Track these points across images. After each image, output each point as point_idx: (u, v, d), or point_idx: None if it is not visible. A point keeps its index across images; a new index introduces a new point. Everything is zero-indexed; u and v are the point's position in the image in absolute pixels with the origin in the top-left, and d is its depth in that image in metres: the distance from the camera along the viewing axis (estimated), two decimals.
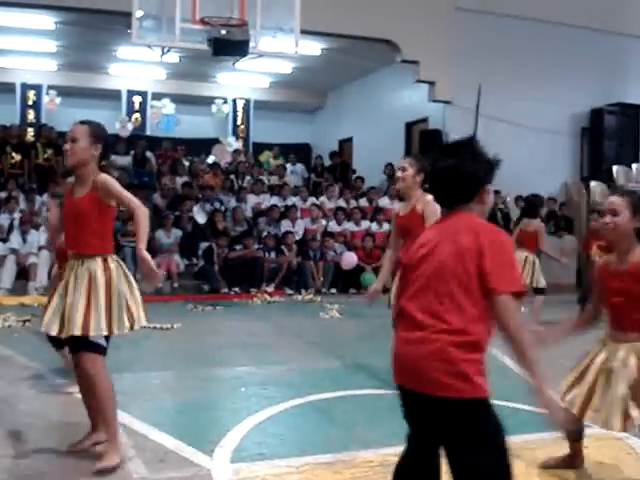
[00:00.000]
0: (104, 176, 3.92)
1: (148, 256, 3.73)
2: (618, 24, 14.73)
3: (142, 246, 3.73)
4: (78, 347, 3.86)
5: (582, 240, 11.57)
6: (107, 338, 3.91)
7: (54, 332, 3.85)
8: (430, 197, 5.51)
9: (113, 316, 3.79)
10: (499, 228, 2.65)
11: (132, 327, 3.87)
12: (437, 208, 5.48)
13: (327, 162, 17.39)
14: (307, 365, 6.67)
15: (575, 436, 3.97)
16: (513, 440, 4.44)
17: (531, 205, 9.49)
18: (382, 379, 6.00)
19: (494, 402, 5.29)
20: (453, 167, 2.62)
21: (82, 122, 4.03)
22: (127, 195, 3.88)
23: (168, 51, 10.31)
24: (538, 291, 9.16)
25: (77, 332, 3.73)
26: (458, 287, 2.48)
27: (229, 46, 9.19)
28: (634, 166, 14.23)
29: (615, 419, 3.54)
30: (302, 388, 5.70)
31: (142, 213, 3.83)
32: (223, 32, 9.15)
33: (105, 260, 3.88)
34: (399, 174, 5.67)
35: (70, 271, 3.90)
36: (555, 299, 12.07)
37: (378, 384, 5.75)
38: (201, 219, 12.88)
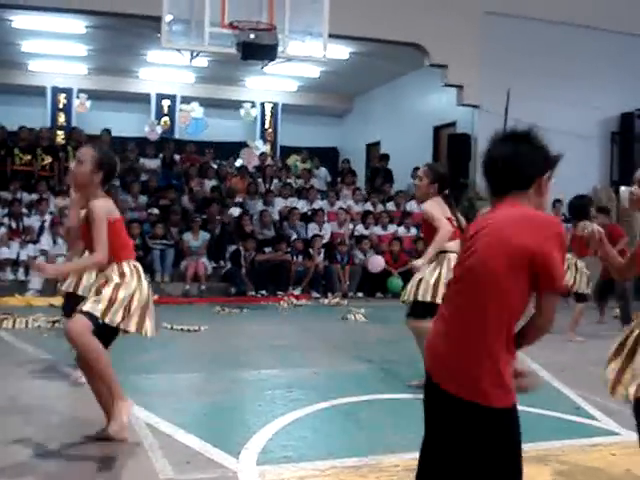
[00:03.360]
0: (96, 204, 4.15)
1: (48, 268, 4.50)
2: None
3: (56, 268, 4.72)
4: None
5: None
6: (112, 336, 4.19)
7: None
8: (426, 204, 5.73)
9: (111, 308, 4.04)
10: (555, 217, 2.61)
11: (119, 326, 4.10)
12: (433, 211, 5.63)
13: (357, 166, 17.40)
14: (333, 368, 6.68)
15: None
16: (541, 447, 4.48)
17: (582, 206, 9.07)
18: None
19: (524, 408, 5.25)
20: (511, 153, 2.55)
21: (93, 146, 4.40)
22: (98, 234, 4.10)
23: (197, 55, 10.37)
24: (580, 297, 8.99)
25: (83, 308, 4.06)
26: (492, 286, 2.39)
27: (258, 50, 9.23)
28: None
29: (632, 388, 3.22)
30: (328, 391, 5.71)
31: (92, 260, 4.22)
32: (252, 36, 9.19)
33: (121, 265, 4.19)
34: (415, 182, 6.03)
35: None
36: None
37: (404, 389, 5.74)
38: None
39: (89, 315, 4.01)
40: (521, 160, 2.54)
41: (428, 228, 5.75)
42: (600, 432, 4.92)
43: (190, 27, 9.97)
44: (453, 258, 5.56)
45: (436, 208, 5.71)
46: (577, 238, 8.73)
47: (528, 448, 4.40)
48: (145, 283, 4.26)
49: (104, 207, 4.17)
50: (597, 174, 14.87)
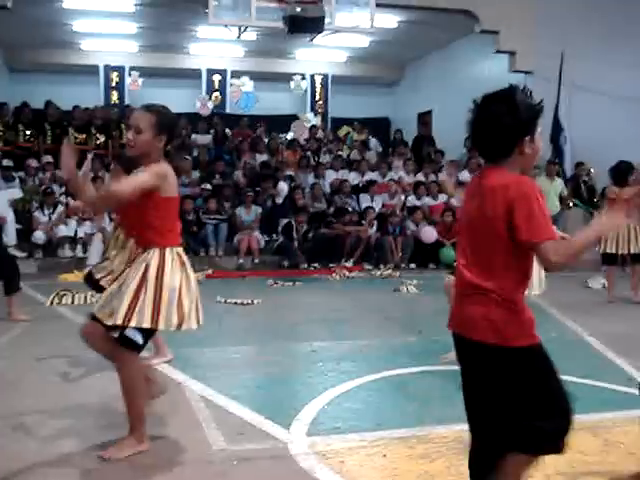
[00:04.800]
0: (154, 167, 3.70)
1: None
2: None
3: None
4: (116, 338, 3.75)
5: None
6: (150, 334, 3.81)
7: (103, 319, 3.73)
8: None
9: (161, 311, 3.63)
10: (528, 179, 2.56)
11: (180, 326, 3.70)
12: None
13: (409, 136, 17.27)
14: (384, 340, 6.70)
15: None
16: (591, 418, 4.46)
17: (620, 172, 9.00)
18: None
19: (575, 379, 5.22)
20: (485, 119, 2.58)
21: (147, 108, 3.79)
22: (136, 178, 3.70)
23: (245, 30, 10.40)
24: (635, 258, 8.89)
25: (119, 321, 3.60)
26: (488, 245, 2.56)
27: (304, 23, 9.22)
28: None
29: None
30: (378, 363, 5.75)
31: (113, 191, 3.68)
32: (298, 9, 9.19)
33: (163, 253, 3.72)
34: None
35: (130, 259, 3.94)
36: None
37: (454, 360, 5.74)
38: (284, 192, 13.08)
39: (129, 341, 3.66)
40: (496, 126, 2.55)
41: None
42: None
43: (237, 2, 10.00)
44: None
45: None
46: (618, 201, 8.60)
47: (578, 419, 4.44)
48: (191, 272, 3.83)
49: (161, 172, 3.69)
50: None
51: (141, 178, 3.67)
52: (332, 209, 13.02)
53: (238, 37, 11.07)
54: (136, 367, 3.80)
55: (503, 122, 2.53)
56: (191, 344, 6.07)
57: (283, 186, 13.12)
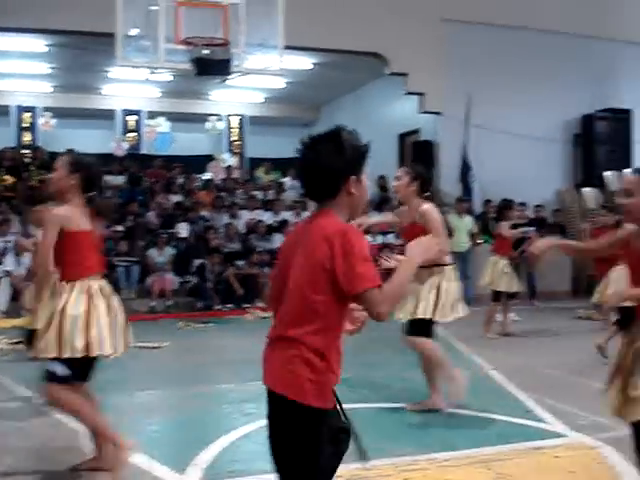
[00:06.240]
0: (53, 210, 4.08)
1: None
2: (607, 30, 14.69)
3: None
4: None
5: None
6: (79, 364, 3.96)
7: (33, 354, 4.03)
8: (426, 206, 5.38)
9: (63, 339, 3.85)
10: (352, 228, 2.48)
11: (88, 350, 3.89)
12: (435, 215, 5.33)
13: None
14: None
15: None
16: (486, 451, 4.54)
17: (499, 209, 9.89)
18: (362, 393, 6.04)
19: (473, 413, 5.31)
20: (311, 161, 2.52)
21: (67, 151, 4.43)
22: (41, 239, 4.10)
23: (153, 71, 10.38)
24: (495, 296, 9.29)
25: (35, 355, 3.93)
26: (303, 294, 2.43)
27: (212, 65, 9.26)
28: (626, 171, 14.19)
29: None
30: None
31: (38, 269, 4.13)
32: (206, 51, 9.22)
33: (73, 285, 3.98)
34: (394, 183, 5.66)
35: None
36: (549, 306, 12.14)
37: (359, 398, 5.77)
38: (185, 233, 12.97)
39: (51, 374, 3.91)
40: (322, 165, 2.50)
41: (416, 233, 4.81)
42: (548, 435, 4.99)
43: (146, 44, 9.98)
44: (448, 271, 5.52)
45: (437, 213, 5.45)
46: (500, 238, 9.21)
47: (474, 453, 4.54)
48: (109, 300, 4.06)
49: (58, 214, 4.01)
50: (560, 176, 15.03)
51: (43, 241, 4.02)
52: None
53: (148, 78, 10.99)
54: (65, 398, 3.97)
55: (329, 161, 2.49)
56: (96, 390, 5.91)
57: (184, 226, 13.06)
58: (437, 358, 5.51)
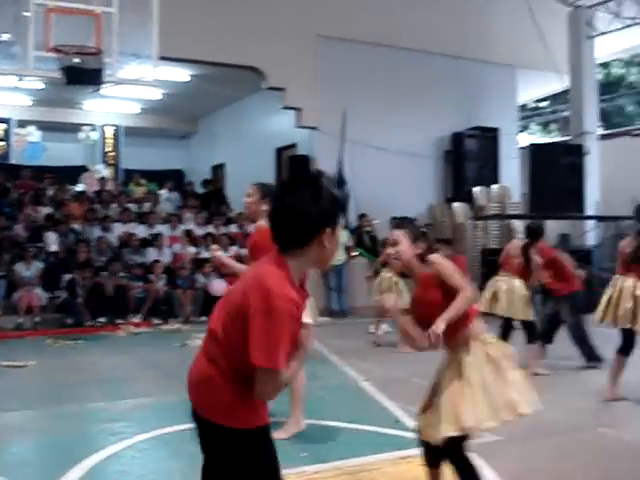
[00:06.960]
0: None
1: None
2: (476, 52, 15.31)
3: None
4: None
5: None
6: None
7: None
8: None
9: None
10: (280, 292, 2.26)
11: None
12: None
13: (200, 189, 17.32)
14: (160, 398, 6.55)
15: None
16: (353, 462, 4.60)
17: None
18: None
19: (343, 425, 5.38)
20: (288, 207, 2.36)
21: None
22: None
23: (22, 78, 10.01)
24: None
25: None
26: (225, 338, 2.36)
27: (82, 74, 9.01)
28: (494, 187, 14.82)
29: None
30: (150, 422, 5.62)
31: None
32: (76, 60, 8.96)
33: None
34: (245, 199, 5.50)
35: None
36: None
37: None
38: (54, 247, 12.54)
39: None
40: (297, 216, 2.34)
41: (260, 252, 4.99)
42: (415, 444, 5.08)
43: (15, 50, 9.63)
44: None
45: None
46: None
47: (341, 464, 4.60)
48: None
49: None
50: (433, 191, 15.46)
51: None
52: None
53: (16, 87, 10.59)
54: None
55: (305, 211, 2.33)
56: None
57: (53, 239, 12.65)
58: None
